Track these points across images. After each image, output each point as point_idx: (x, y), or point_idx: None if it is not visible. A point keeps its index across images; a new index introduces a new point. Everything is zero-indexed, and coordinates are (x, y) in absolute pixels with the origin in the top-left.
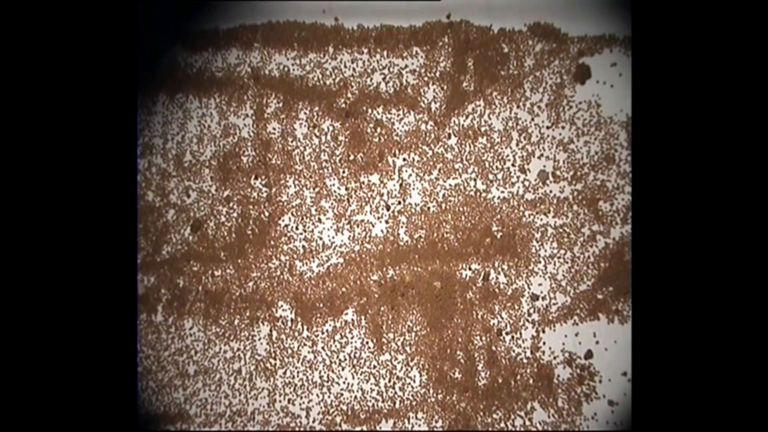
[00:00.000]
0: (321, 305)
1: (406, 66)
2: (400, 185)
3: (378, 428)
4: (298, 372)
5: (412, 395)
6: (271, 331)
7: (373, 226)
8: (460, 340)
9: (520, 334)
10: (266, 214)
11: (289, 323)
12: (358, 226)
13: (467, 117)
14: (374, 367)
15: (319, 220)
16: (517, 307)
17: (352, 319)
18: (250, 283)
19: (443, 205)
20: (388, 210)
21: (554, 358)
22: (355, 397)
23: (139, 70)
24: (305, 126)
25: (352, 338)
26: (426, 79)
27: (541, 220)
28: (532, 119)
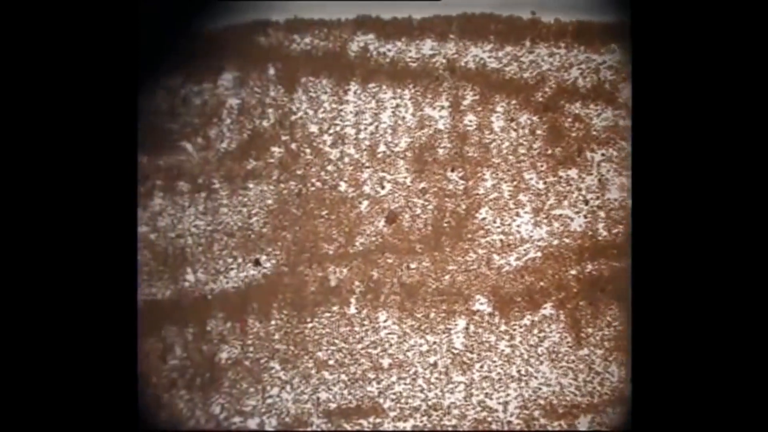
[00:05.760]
0: (519, 299)
1: (604, 62)
2: (599, 180)
3: (576, 423)
4: (495, 366)
5: (610, 390)
6: (468, 324)
7: (571, 220)
8: None
9: None
10: (463, 207)
11: (487, 317)
12: (556, 221)
13: None
14: (572, 361)
15: (517, 214)
16: None
17: (551, 314)
18: (447, 277)
19: None
20: (586, 205)
21: None
22: (553, 391)
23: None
24: (502, 119)
25: (550, 332)
26: (623, 75)
27: None
28: None
